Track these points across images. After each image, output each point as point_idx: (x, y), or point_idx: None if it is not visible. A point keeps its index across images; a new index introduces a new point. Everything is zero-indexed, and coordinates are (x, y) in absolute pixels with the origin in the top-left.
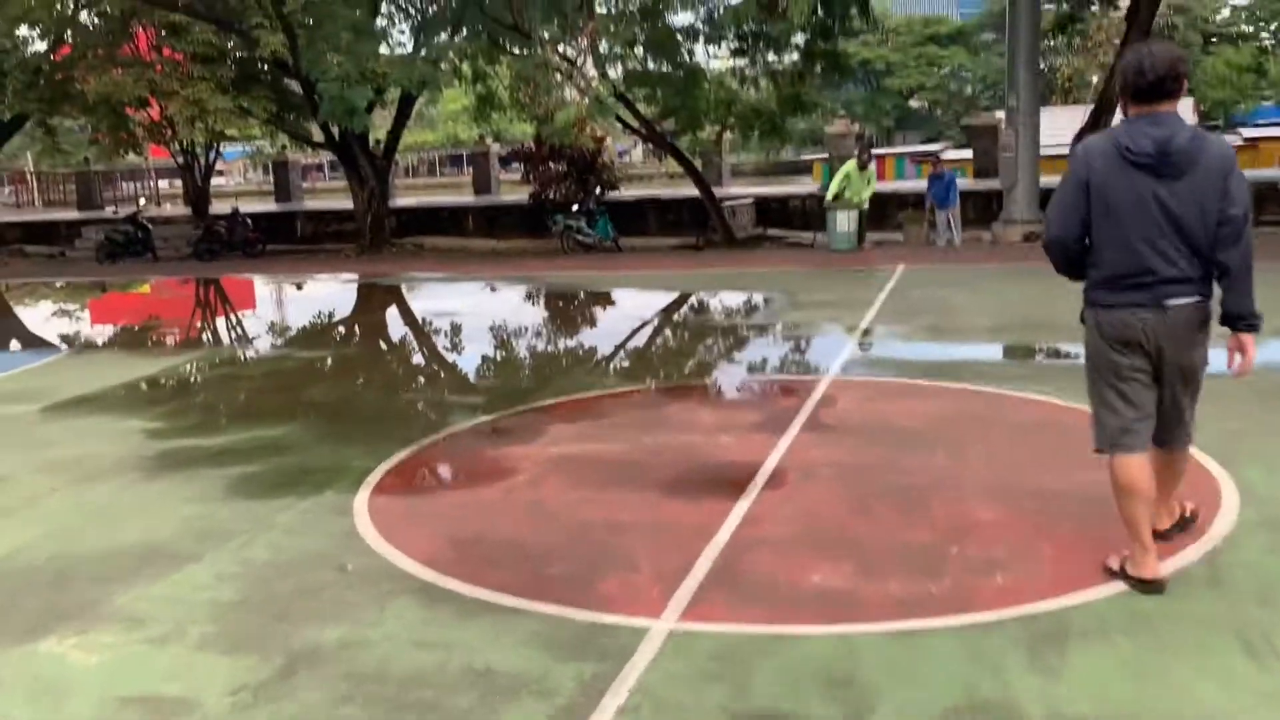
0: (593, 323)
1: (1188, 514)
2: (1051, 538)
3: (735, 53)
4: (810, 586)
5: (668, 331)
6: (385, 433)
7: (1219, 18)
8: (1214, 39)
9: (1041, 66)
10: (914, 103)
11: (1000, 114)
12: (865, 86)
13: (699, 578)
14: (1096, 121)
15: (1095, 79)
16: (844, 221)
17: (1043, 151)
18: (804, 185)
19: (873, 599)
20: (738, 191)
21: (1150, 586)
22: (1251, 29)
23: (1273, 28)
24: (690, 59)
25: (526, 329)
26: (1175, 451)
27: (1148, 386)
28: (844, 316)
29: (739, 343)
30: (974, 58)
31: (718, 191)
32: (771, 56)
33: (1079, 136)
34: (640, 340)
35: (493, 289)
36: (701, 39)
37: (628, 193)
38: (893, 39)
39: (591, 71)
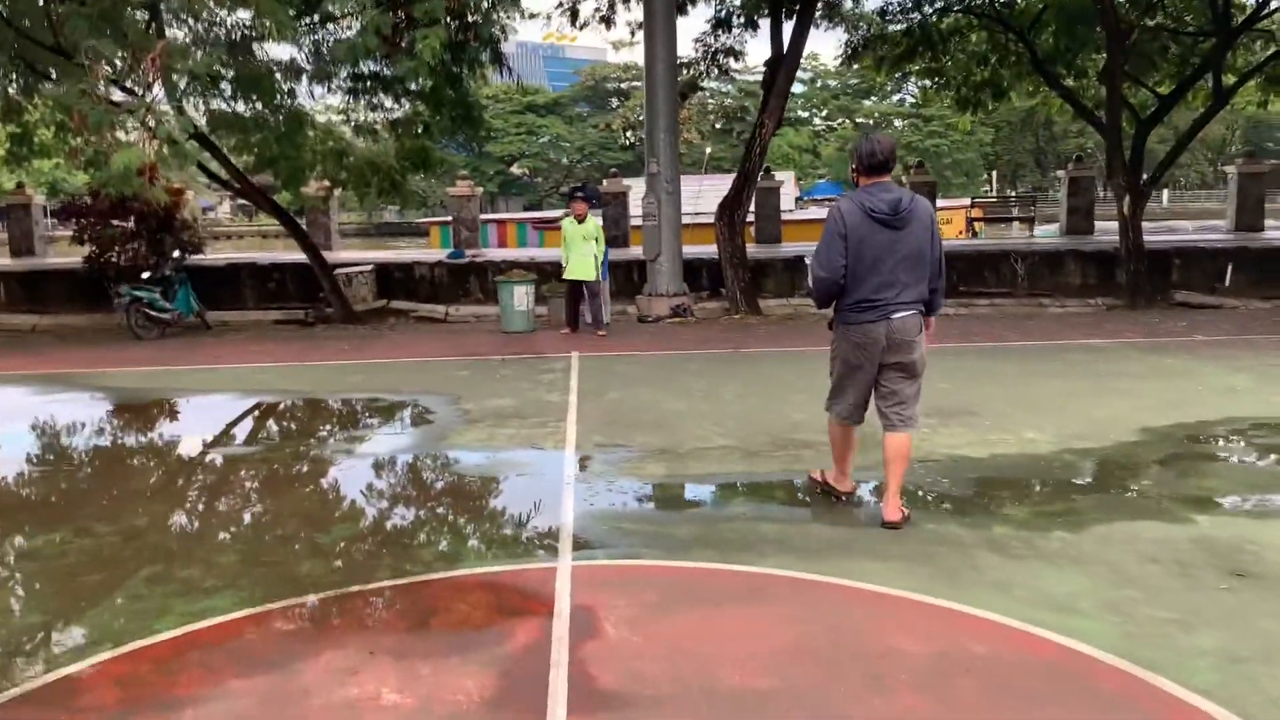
0: (167, 471)
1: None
2: None
3: (349, 94)
4: None
5: (284, 484)
6: None
7: None
8: None
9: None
10: (515, 169)
11: (628, 181)
12: (467, 151)
13: None
14: (740, 190)
15: (709, 149)
16: (520, 297)
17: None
18: (426, 251)
19: None
20: (353, 256)
21: (846, 497)
22: (807, 114)
23: (824, 114)
24: (292, 100)
25: (57, 496)
26: (897, 433)
27: (871, 379)
28: (539, 437)
29: (404, 500)
30: (570, 128)
31: (329, 256)
32: (390, 102)
33: (723, 206)
34: (242, 505)
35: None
36: (305, 78)
37: (215, 256)
38: (492, 105)
39: (165, 107)
